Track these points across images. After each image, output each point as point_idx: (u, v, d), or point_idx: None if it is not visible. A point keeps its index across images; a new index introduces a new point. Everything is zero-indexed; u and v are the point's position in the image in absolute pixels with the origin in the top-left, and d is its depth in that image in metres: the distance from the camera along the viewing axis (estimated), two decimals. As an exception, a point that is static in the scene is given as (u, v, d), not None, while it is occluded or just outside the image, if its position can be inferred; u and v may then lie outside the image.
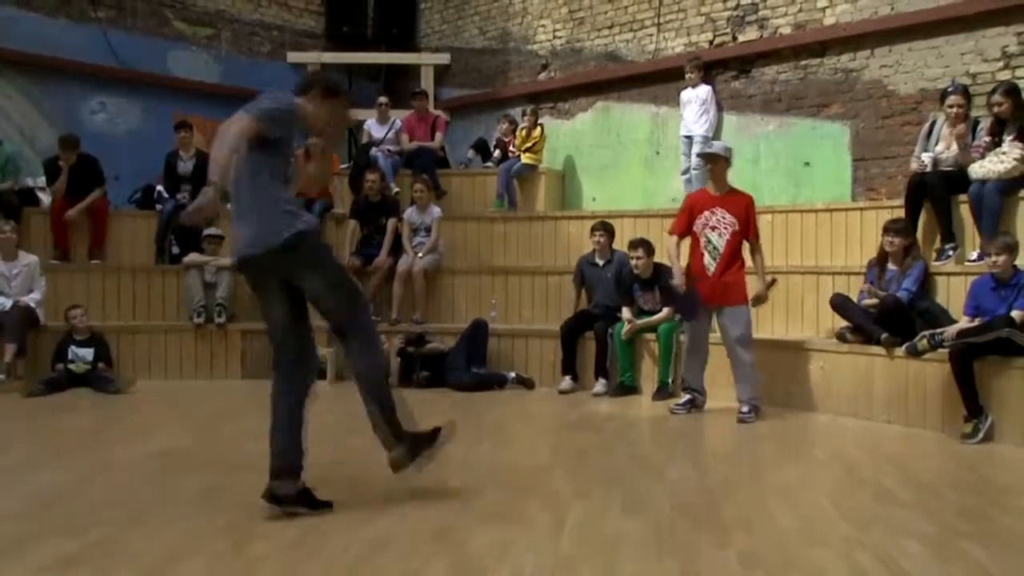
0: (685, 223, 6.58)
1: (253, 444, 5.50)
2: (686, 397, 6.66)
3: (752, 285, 6.57)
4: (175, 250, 9.27)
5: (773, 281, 6.90)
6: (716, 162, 6.53)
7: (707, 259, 6.43)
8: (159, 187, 9.68)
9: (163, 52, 10.87)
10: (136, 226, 9.51)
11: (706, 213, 6.47)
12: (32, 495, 4.25)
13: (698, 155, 6.97)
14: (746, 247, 6.56)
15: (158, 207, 9.49)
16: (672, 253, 6.69)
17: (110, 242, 9.33)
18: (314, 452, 5.32)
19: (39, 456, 5.25)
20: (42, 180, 9.31)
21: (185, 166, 9.48)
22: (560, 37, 10.85)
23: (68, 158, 8.91)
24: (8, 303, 7.93)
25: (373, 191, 9.00)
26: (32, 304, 8.05)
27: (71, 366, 7.80)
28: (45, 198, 9.19)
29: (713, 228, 6.43)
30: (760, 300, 6.60)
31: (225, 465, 4.94)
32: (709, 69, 9.16)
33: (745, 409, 6.32)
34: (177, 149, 9.54)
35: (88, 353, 7.89)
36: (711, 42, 9.34)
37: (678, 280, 6.65)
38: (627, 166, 10.12)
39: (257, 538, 3.57)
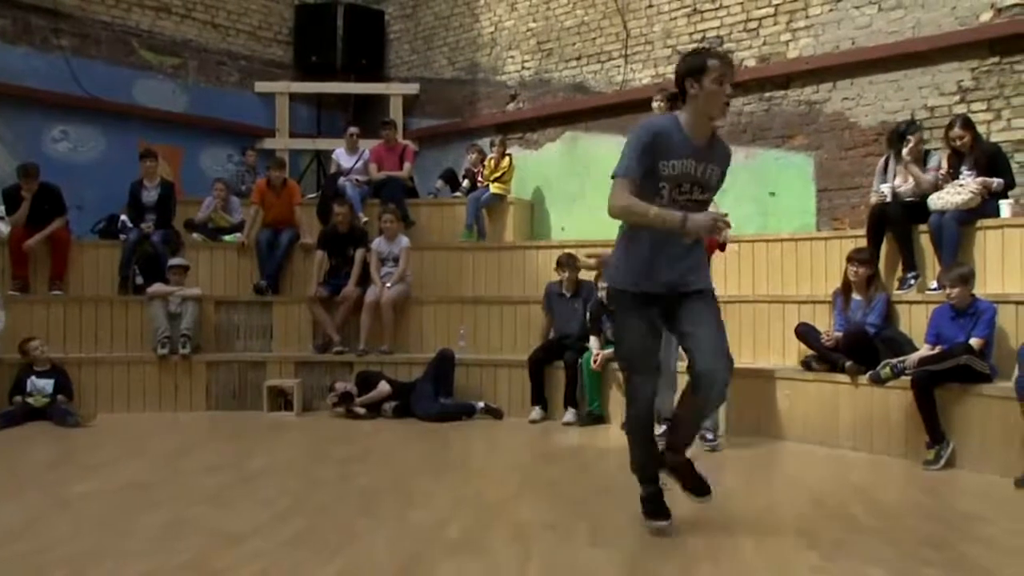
0: None
1: (215, 477, 5.44)
2: (661, 427, 6.63)
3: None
4: (139, 280, 9.16)
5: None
6: None
7: None
8: (123, 217, 9.58)
9: (129, 81, 10.80)
10: (99, 256, 9.38)
11: None
12: (-13, 531, 4.15)
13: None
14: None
15: (122, 236, 9.38)
16: None
17: (72, 272, 9.19)
18: (281, 483, 5.27)
19: (-5, 491, 5.14)
20: (1, 209, 9.17)
21: (149, 195, 9.39)
22: (529, 68, 10.94)
23: (30, 187, 8.79)
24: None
25: (343, 223, 8.98)
26: (-8, 336, 7.92)
27: (30, 399, 7.65)
28: (3, 228, 9.05)
29: None
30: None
31: (186, 499, 4.85)
32: (676, 100, 9.25)
33: (710, 436, 6.34)
34: (142, 178, 9.45)
35: (48, 385, 7.75)
36: (677, 74, 9.44)
37: None
38: (595, 196, 10.14)
39: (217, 574, 3.51)
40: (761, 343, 7.62)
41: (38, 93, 9.94)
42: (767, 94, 8.85)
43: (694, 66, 3.79)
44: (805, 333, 6.77)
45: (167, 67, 11.19)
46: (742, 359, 7.55)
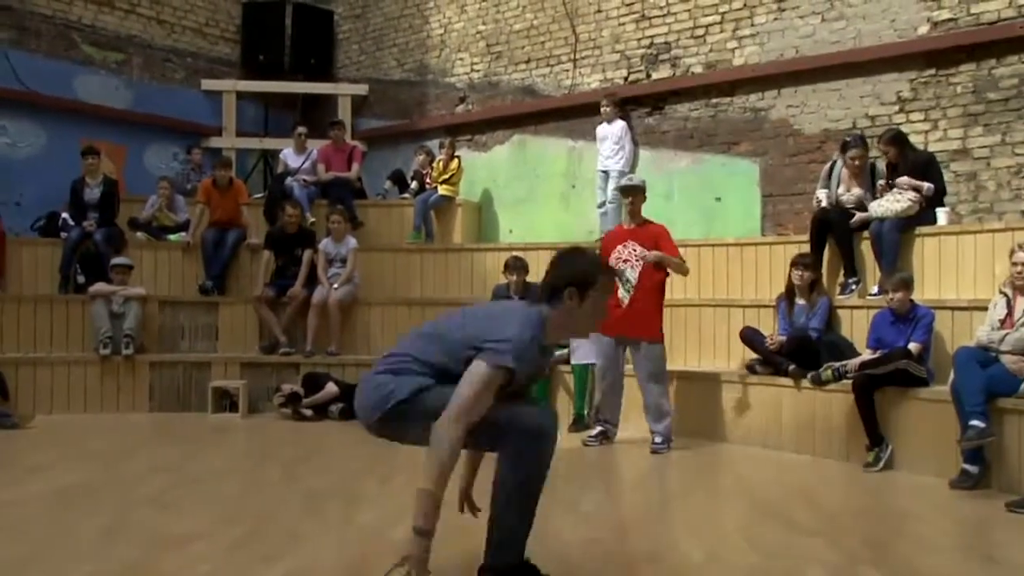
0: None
1: (158, 480, 5.36)
2: (598, 429, 6.73)
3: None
4: (80, 279, 8.99)
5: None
6: (636, 195, 6.69)
7: (621, 292, 6.51)
8: (64, 214, 9.38)
9: (70, 76, 10.56)
10: (39, 254, 9.18)
11: (619, 247, 6.60)
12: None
13: (618, 189, 7.09)
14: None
15: (63, 235, 9.19)
16: None
17: (10, 270, 8.98)
18: (225, 485, 5.21)
19: None
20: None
21: (92, 193, 9.22)
22: (478, 70, 10.95)
23: None
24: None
25: (292, 224, 8.90)
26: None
27: (-36, 400, 7.47)
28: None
29: (625, 261, 6.54)
30: (651, 257, 6.44)
31: (129, 502, 4.77)
32: (624, 105, 9.36)
33: (659, 440, 6.42)
34: (84, 176, 9.27)
35: (-17, 386, 7.57)
36: (626, 78, 9.55)
37: None
38: (543, 199, 10.24)
39: (159, 578, 3.47)
40: (707, 346, 7.73)
41: (-27, 86, 9.69)
42: (713, 100, 8.98)
43: (582, 277, 3.11)
44: (750, 337, 6.88)
45: (110, 63, 10.97)
46: (687, 363, 7.66)
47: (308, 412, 7.81)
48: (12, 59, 10.00)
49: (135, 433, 7.41)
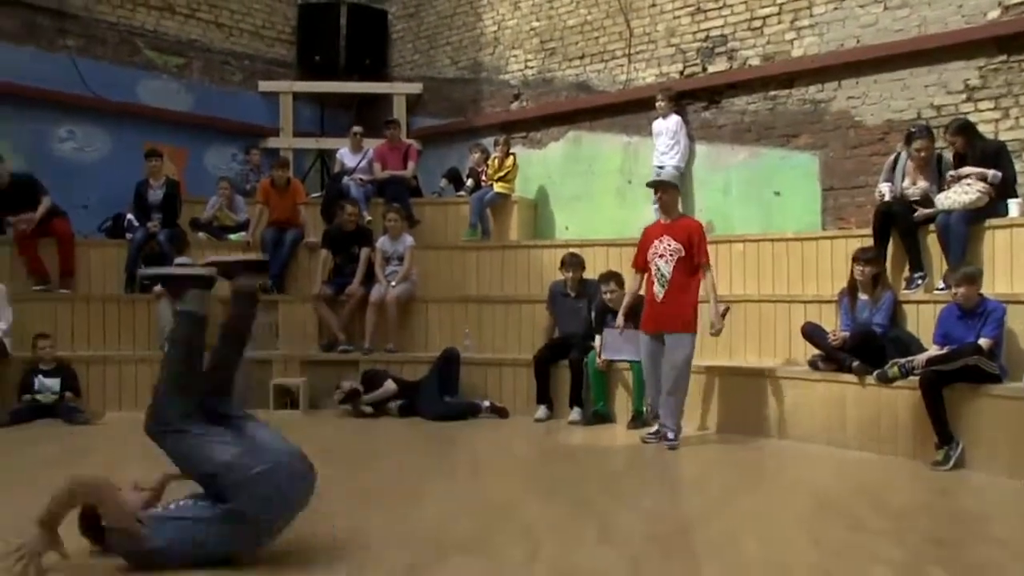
0: (640, 256, 6.71)
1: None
2: (656, 426, 6.66)
3: (704, 314, 6.60)
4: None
5: (727, 309, 6.87)
6: (665, 190, 6.68)
7: (656, 287, 6.51)
8: (129, 215, 9.59)
9: (133, 80, 10.79)
10: (106, 255, 9.40)
11: (655, 242, 6.58)
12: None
13: (648, 185, 7.06)
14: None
15: (128, 236, 9.40)
16: (629, 288, 6.94)
17: (79, 271, 9.22)
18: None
19: None
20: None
21: (155, 194, 9.42)
22: (532, 67, 10.93)
23: None
24: (-26, 332, 7.82)
25: (350, 223, 8.98)
26: (-1, 334, 7.94)
27: (38, 396, 7.67)
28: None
29: (660, 256, 6.51)
30: (715, 330, 6.54)
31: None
32: (680, 99, 9.27)
33: (671, 435, 6.40)
34: (147, 178, 9.48)
35: (55, 383, 7.76)
36: (681, 72, 9.45)
37: (619, 319, 6.94)
38: (599, 196, 10.18)
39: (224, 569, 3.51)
40: (767, 343, 7.61)
41: (45, 93, 9.93)
42: (771, 93, 8.83)
43: None
44: (811, 332, 6.76)
45: (171, 67, 11.18)
46: (747, 359, 7.56)
47: (368, 409, 7.88)
48: (80, 66, 10.25)
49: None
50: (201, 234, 9.81)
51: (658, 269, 6.49)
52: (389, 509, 4.61)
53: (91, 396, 8.12)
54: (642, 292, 6.76)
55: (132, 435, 7.07)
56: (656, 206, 6.88)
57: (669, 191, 6.71)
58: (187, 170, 11.10)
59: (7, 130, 9.67)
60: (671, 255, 6.45)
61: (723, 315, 6.63)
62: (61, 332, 8.47)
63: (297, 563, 3.65)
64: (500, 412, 7.89)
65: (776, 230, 8.52)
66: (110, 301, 8.96)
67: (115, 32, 10.67)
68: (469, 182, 10.40)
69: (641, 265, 6.71)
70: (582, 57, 10.43)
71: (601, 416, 7.54)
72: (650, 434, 6.63)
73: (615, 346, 7.27)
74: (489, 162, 10.21)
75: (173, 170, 10.43)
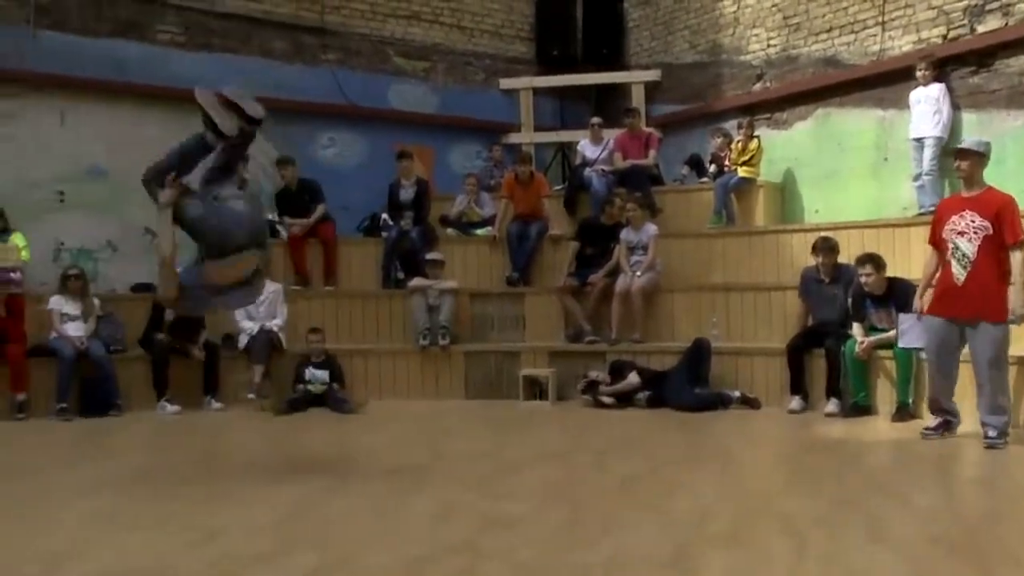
0: (934, 232, 6.11)
1: (480, 464, 5.62)
2: (938, 420, 6.13)
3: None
4: (399, 275, 9.69)
5: None
6: (968, 159, 5.95)
7: (955, 268, 5.87)
8: (384, 215, 10.15)
9: (384, 87, 11.44)
10: (364, 253, 10.01)
11: (954, 218, 5.92)
12: (280, 509, 4.51)
13: (950, 152, 6.36)
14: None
15: (383, 234, 9.95)
16: (925, 268, 6.32)
17: (340, 269, 9.88)
18: (542, 471, 5.37)
19: (283, 472, 5.58)
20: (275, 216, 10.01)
21: (406, 193, 9.91)
22: (775, 45, 10.48)
23: (286, 172, 9.78)
24: (255, 327, 8.56)
25: (614, 216, 9.05)
26: (275, 329, 8.64)
27: (309, 387, 8.27)
28: (282, 230, 9.87)
29: (961, 233, 5.85)
30: (1017, 316, 5.75)
31: (454, 484, 5.04)
32: (943, 65, 8.54)
33: (992, 433, 5.74)
34: (399, 178, 10.00)
35: (324, 375, 8.34)
36: (944, 36, 8.69)
37: (916, 303, 6.35)
38: (851, 175, 9.59)
39: (486, 558, 3.60)
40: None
41: (309, 105, 10.75)
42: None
43: None
44: None
45: (418, 71, 11.74)
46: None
47: (607, 400, 7.87)
48: (338, 77, 11.00)
49: (455, 418, 7.85)
50: (450, 230, 10.21)
51: (957, 248, 5.85)
52: (645, 499, 4.58)
53: (354, 386, 8.65)
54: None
55: (392, 423, 7.56)
56: (960, 178, 6.16)
57: (972, 159, 5.93)
58: (434, 169, 11.61)
59: (279, 141, 10.54)
60: (975, 233, 5.78)
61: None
62: (326, 327, 9.04)
63: (557, 546, 3.69)
64: (751, 403, 7.63)
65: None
66: (368, 297, 9.52)
67: (368, 43, 11.33)
68: (712, 168, 10.15)
69: (933, 241, 6.11)
70: (829, 30, 9.86)
71: (861, 408, 7.10)
72: (929, 428, 6.10)
73: (915, 333, 6.56)
74: (732, 146, 9.90)
75: (422, 169, 10.91)
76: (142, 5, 9.83)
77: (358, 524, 4.21)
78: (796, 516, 4.14)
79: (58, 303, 8.25)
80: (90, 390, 8.06)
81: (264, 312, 8.69)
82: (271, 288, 8.80)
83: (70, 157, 9.38)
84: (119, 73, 9.63)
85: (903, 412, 6.77)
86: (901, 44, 9.11)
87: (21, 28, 9.15)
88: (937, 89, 8.39)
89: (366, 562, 3.60)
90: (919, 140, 8.44)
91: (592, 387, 8.00)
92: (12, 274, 8.17)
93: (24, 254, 8.38)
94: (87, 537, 4.07)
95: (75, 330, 8.18)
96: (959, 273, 5.85)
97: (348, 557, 3.65)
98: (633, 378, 7.89)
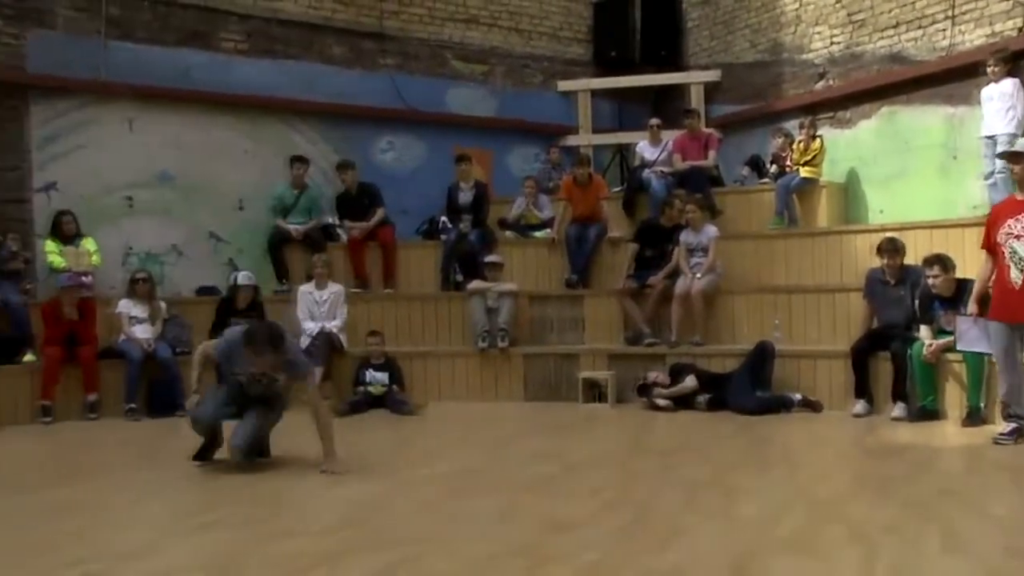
0: (988, 236, 6.02)
1: (540, 466, 5.61)
2: (1011, 425, 5.96)
3: None
4: (458, 277, 9.73)
5: None
6: (1019, 162, 5.87)
7: (1012, 272, 5.78)
8: (442, 218, 10.21)
9: (442, 91, 11.50)
10: (423, 255, 10.07)
11: (1010, 221, 5.83)
12: (344, 510, 4.55)
13: (998, 156, 6.24)
14: None
15: (442, 237, 10.00)
16: (980, 272, 6.20)
17: (400, 272, 9.95)
18: (603, 473, 5.36)
19: (346, 474, 5.62)
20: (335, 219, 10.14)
21: (465, 196, 9.96)
22: (838, 43, 10.30)
23: (346, 177, 9.87)
24: (316, 327, 8.66)
25: (673, 219, 8.96)
26: (335, 331, 8.74)
27: (369, 388, 8.34)
28: (342, 233, 9.99)
29: (1018, 237, 5.76)
30: None
31: (515, 486, 5.04)
32: (1016, 60, 8.30)
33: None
34: (457, 181, 10.04)
35: (384, 377, 8.41)
36: (1020, 29, 8.44)
37: (970, 306, 6.29)
38: (918, 174, 9.38)
39: (551, 561, 3.59)
40: None
41: (369, 110, 10.87)
42: None
43: None
44: None
45: (477, 74, 11.78)
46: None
47: (663, 403, 7.79)
48: (397, 82, 11.09)
49: (514, 420, 7.86)
50: (508, 232, 10.23)
51: (1014, 252, 5.77)
52: (708, 503, 4.52)
53: (413, 388, 8.70)
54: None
55: (452, 425, 7.58)
56: (1013, 181, 6.07)
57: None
58: (493, 172, 11.64)
59: (340, 145, 10.67)
60: None
61: None
62: (386, 329, 9.13)
63: (621, 552, 3.66)
64: (813, 406, 7.51)
65: None
66: (428, 300, 9.58)
67: (426, 47, 11.41)
68: (772, 168, 10.00)
69: (987, 245, 6.04)
70: (896, 26, 9.66)
71: (929, 412, 6.93)
72: (1003, 434, 5.93)
73: (972, 336, 6.44)
74: (793, 146, 9.75)
75: (480, 172, 10.96)
76: (206, 14, 10.04)
77: (420, 525, 4.23)
78: (865, 523, 4.05)
79: (126, 306, 8.47)
80: (157, 391, 8.27)
81: (325, 312, 8.80)
82: (333, 289, 8.96)
83: (139, 163, 9.61)
84: (185, 81, 9.84)
85: (974, 417, 6.59)
86: (972, 38, 8.88)
87: (94, 39, 9.40)
88: (1010, 85, 8.14)
89: (430, 563, 3.62)
90: (991, 138, 8.20)
91: (646, 389, 7.94)
92: (84, 278, 8.46)
93: (95, 259, 8.69)
94: (158, 534, 4.15)
95: (143, 332, 8.40)
96: (1016, 277, 5.77)
97: (411, 558, 3.67)
98: (690, 381, 7.81)
